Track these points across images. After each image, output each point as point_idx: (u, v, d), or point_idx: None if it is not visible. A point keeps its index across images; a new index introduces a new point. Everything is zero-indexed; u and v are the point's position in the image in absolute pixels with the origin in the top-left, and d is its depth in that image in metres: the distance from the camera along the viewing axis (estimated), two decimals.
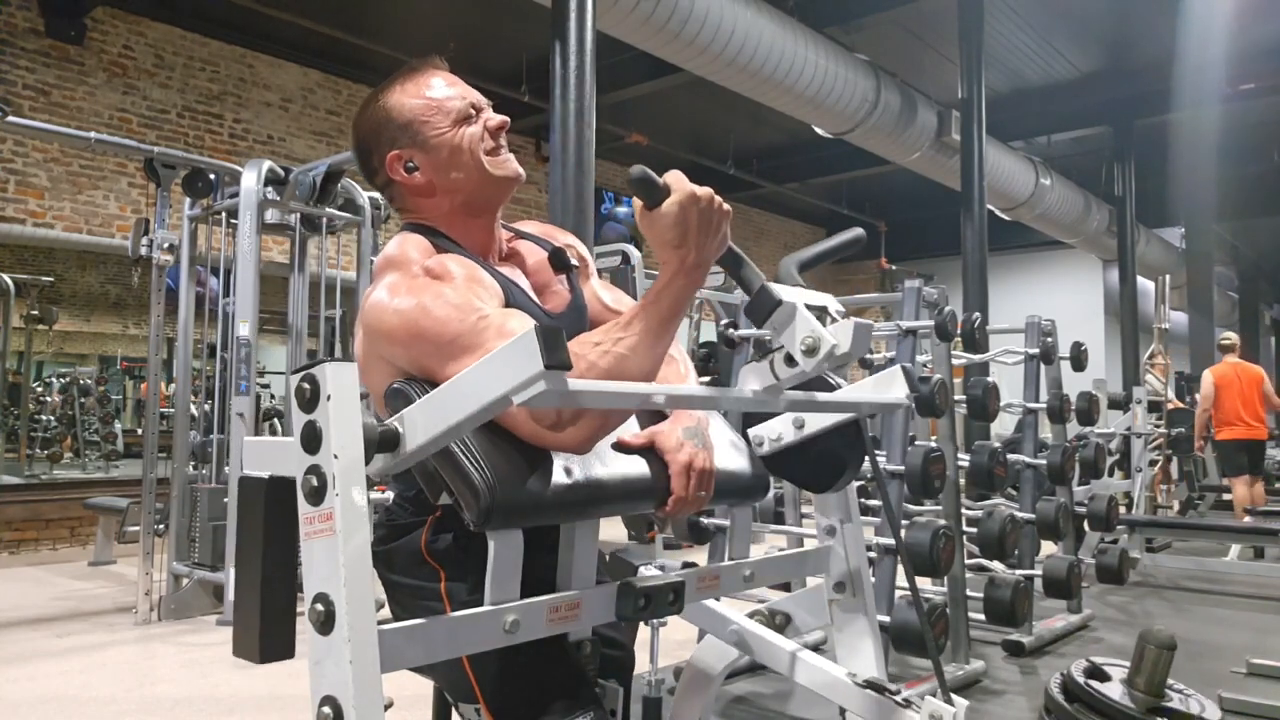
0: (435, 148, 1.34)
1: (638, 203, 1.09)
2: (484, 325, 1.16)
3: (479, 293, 1.23)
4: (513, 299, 1.30)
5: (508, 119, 1.41)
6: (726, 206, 1.13)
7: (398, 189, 1.38)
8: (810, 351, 1.11)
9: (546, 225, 1.53)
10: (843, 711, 1.43)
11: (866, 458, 1.34)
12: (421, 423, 0.96)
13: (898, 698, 1.24)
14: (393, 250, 1.29)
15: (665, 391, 1.09)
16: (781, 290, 1.15)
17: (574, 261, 1.46)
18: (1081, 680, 2.28)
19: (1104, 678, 2.30)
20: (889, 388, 1.32)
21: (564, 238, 1.52)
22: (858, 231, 1.37)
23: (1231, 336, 8.02)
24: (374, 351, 1.22)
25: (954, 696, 1.15)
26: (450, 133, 1.34)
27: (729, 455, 1.34)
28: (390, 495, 1.38)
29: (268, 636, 0.91)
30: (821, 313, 1.15)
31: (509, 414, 1.10)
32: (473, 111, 1.36)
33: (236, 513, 0.83)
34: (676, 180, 1.11)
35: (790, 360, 1.15)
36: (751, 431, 1.39)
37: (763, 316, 1.15)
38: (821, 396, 1.25)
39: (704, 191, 1.10)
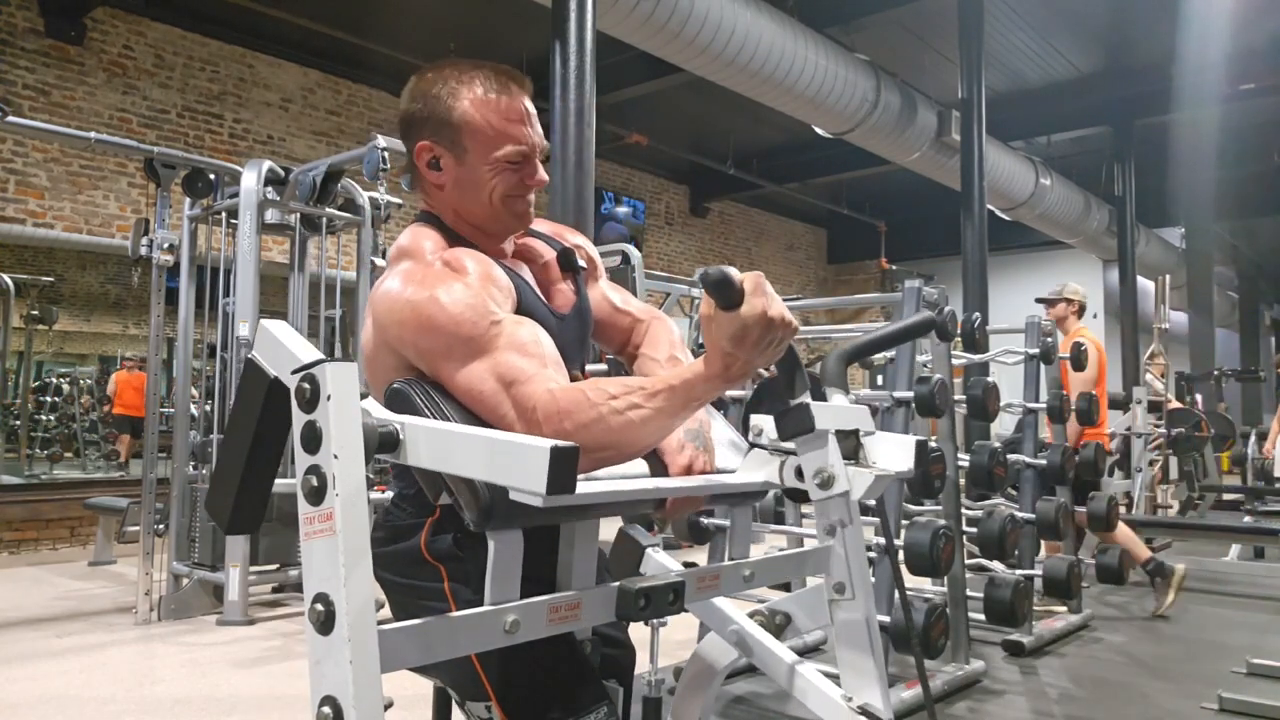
0: (467, 167, 1.31)
1: (707, 299, 1.03)
2: (496, 332, 1.16)
3: (493, 293, 1.22)
4: (523, 299, 1.30)
5: (546, 179, 1.36)
6: (796, 324, 1.07)
7: (416, 174, 1.35)
8: (824, 484, 1.09)
9: (557, 225, 1.53)
10: None
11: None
12: (424, 449, 0.98)
13: None
14: (406, 240, 1.28)
15: (659, 493, 1.13)
16: (818, 411, 1.10)
17: (582, 263, 1.47)
18: None
19: None
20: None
21: (574, 238, 1.52)
22: (924, 316, 1.33)
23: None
24: (382, 340, 1.21)
25: None
26: (487, 169, 1.30)
27: (729, 456, 1.34)
28: (390, 495, 1.38)
29: (239, 510, 0.95)
30: (851, 437, 1.12)
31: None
32: (522, 160, 1.32)
33: (237, 387, 0.89)
34: (754, 286, 1.03)
35: (799, 475, 1.13)
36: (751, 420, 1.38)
37: (791, 433, 1.12)
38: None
39: (775, 312, 1.03)
